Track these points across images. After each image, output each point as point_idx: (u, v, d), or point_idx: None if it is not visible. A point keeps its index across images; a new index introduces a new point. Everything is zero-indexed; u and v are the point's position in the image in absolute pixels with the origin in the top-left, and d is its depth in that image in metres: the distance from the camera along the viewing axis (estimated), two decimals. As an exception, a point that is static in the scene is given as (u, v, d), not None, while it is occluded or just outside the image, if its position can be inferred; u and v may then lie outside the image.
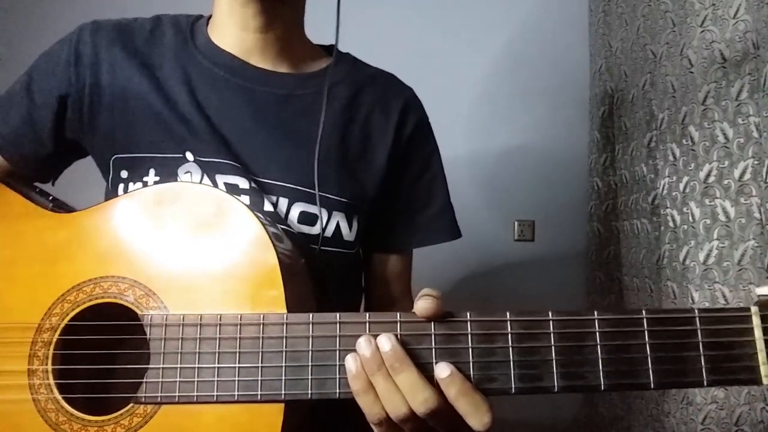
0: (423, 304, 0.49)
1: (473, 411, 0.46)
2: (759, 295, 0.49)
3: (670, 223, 1.48)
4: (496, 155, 2.07)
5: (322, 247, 0.73)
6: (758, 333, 0.47)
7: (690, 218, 1.39)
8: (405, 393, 0.46)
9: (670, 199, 1.48)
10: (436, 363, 0.48)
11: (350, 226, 0.76)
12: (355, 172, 0.77)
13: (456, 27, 2.10)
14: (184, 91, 0.72)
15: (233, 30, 0.74)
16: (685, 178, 1.42)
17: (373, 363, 0.47)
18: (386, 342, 0.47)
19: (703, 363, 0.47)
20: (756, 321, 0.48)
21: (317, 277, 0.63)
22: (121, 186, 0.70)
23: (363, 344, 0.48)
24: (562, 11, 2.09)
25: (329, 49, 0.84)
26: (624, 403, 1.73)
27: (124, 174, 0.71)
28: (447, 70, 2.06)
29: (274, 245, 0.53)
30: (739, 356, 0.47)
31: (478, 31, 2.10)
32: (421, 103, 0.85)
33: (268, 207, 0.70)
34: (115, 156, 0.71)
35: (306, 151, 0.73)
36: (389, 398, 0.47)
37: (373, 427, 0.49)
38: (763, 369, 0.47)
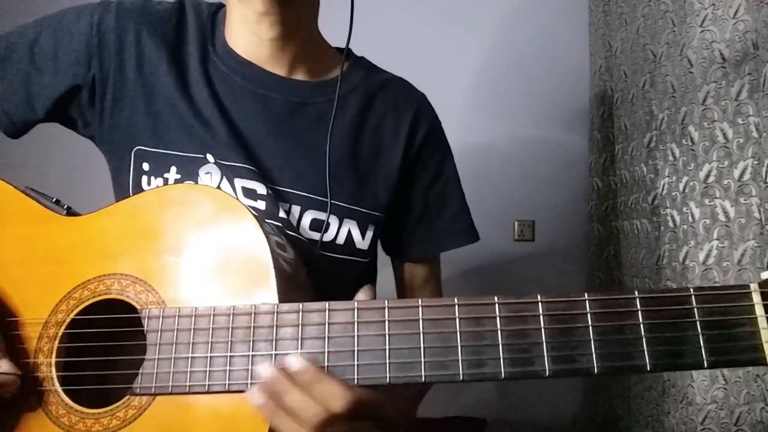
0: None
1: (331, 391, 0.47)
2: (761, 281, 0.46)
3: (670, 223, 1.48)
4: (496, 155, 2.07)
5: (334, 255, 0.74)
6: (759, 310, 0.45)
7: (690, 218, 1.39)
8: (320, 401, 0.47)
9: (670, 199, 1.48)
10: (425, 349, 0.48)
11: (363, 235, 0.76)
12: (368, 179, 0.77)
13: (455, 27, 2.10)
14: (206, 93, 0.72)
15: (249, 37, 0.73)
16: (685, 178, 1.41)
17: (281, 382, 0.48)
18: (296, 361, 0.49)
19: (702, 343, 0.45)
20: (756, 298, 0.45)
21: (327, 284, 0.63)
22: (144, 178, 0.71)
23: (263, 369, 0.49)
24: (561, 11, 2.09)
25: (344, 53, 0.83)
26: (624, 403, 1.73)
27: (146, 166, 0.71)
28: (447, 70, 2.06)
29: (267, 241, 0.54)
30: (740, 336, 0.45)
31: (477, 31, 2.10)
32: (432, 109, 0.85)
33: (281, 214, 0.70)
34: (138, 147, 0.71)
35: (318, 159, 0.73)
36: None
37: None
38: (766, 348, 0.45)
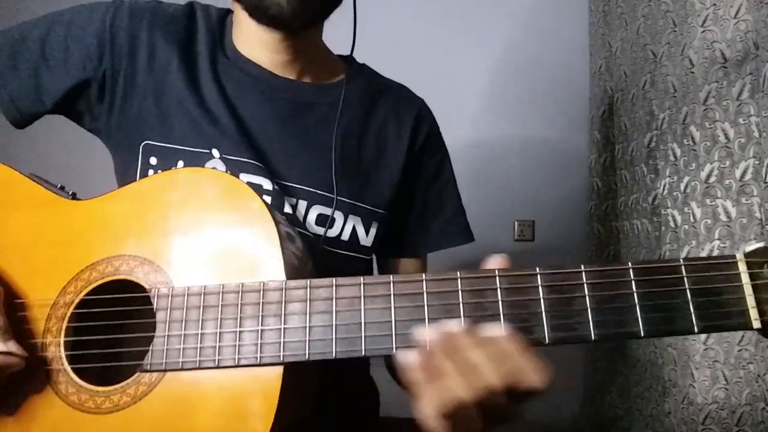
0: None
1: (535, 365, 0.44)
2: (746, 251, 0.49)
3: (671, 223, 1.48)
4: (496, 155, 2.07)
5: (338, 251, 0.76)
6: (745, 278, 0.48)
7: (691, 218, 1.39)
8: (481, 366, 0.44)
9: (671, 199, 1.48)
10: (429, 321, 0.49)
11: (367, 232, 0.78)
12: (371, 178, 0.80)
13: (456, 26, 2.10)
14: (215, 91, 0.73)
15: (260, 50, 0.76)
16: (686, 178, 1.42)
17: (446, 344, 0.45)
18: (455, 324, 0.47)
19: (692, 310, 0.48)
20: (742, 267, 0.48)
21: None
22: (151, 172, 0.72)
23: (431, 330, 0.47)
24: (562, 11, 2.10)
25: (348, 59, 0.86)
26: (624, 403, 1.73)
27: (153, 161, 0.72)
28: (446, 70, 2.06)
29: (275, 221, 0.54)
30: (728, 302, 0.48)
31: (478, 31, 2.10)
32: (431, 113, 0.88)
33: (287, 209, 0.72)
34: (146, 142, 0.72)
35: (324, 157, 0.75)
36: (470, 376, 0.43)
37: (438, 422, 0.45)
38: (752, 313, 0.48)
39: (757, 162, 1.25)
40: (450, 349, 0.45)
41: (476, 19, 2.10)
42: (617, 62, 1.85)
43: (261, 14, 0.68)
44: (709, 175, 1.35)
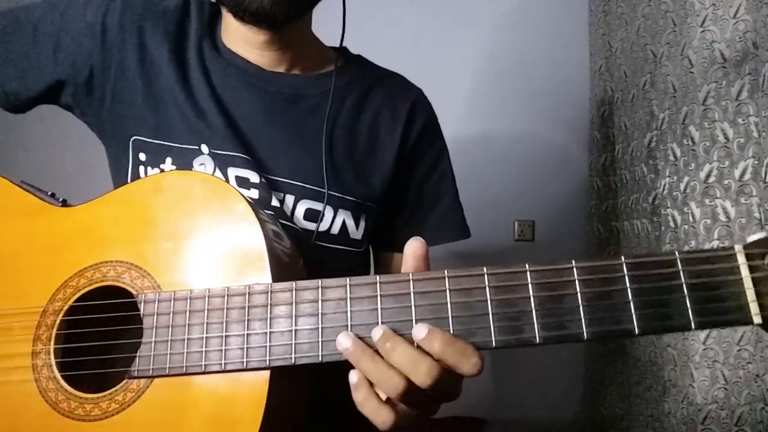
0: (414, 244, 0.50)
1: (461, 357, 0.46)
2: (745, 243, 0.47)
3: (671, 223, 1.48)
4: (496, 155, 2.06)
5: (328, 245, 0.75)
6: (745, 271, 0.46)
7: (690, 218, 1.39)
8: (404, 370, 0.46)
9: (671, 199, 1.48)
10: (416, 321, 0.48)
11: (357, 225, 0.77)
12: (363, 171, 0.78)
13: (456, 26, 2.10)
14: (204, 86, 0.73)
15: (248, 48, 0.76)
16: (686, 178, 1.41)
17: (356, 351, 0.47)
18: (377, 329, 0.48)
19: (689, 305, 0.46)
20: (741, 259, 0.46)
21: (321, 275, 0.64)
22: (141, 168, 0.72)
23: (342, 340, 0.48)
24: (562, 11, 2.09)
25: (339, 50, 0.85)
26: (624, 403, 1.73)
27: (142, 156, 0.72)
28: (447, 70, 2.06)
29: (260, 222, 0.54)
30: (726, 296, 0.46)
31: (478, 31, 2.10)
32: (429, 103, 0.86)
33: (275, 203, 0.71)
34: (135, 137, 0.72)
35: (313, 149, 0.74)
36: (385, 378, 0.46)
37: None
38: (752, 307, 0.45)
39: (756, 162, 1.24)
40: (369, 356, 0.47)
41: (476, 19, 2.10)
42: (617, 62, 1.84)
43: (243, 12, 0.68)
44: (708, 175, 1.35)
